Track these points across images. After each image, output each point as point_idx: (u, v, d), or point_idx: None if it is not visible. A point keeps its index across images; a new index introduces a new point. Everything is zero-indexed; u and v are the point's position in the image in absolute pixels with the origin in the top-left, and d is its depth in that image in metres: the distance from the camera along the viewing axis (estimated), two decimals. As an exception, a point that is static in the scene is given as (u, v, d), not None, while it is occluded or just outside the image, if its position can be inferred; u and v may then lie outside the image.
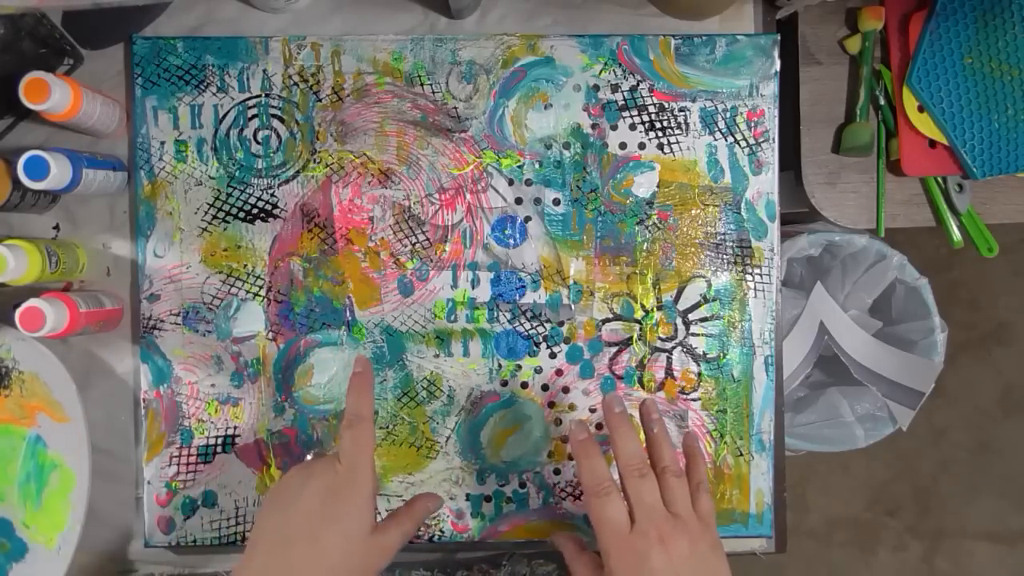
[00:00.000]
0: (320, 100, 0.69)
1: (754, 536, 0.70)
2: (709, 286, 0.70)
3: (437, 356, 0.69)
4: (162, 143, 0.68)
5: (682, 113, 0.69)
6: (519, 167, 0.69)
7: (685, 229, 0.70)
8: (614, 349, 0.69)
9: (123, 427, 0.69)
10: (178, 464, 0.68)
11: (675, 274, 0.70)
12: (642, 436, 0.57)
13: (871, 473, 1.51)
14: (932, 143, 0.73)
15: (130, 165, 0.69)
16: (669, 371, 0.70)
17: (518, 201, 0.69)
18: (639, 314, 0.69)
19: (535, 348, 0.69)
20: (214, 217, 0.68)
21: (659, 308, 0.69)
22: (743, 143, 0.70)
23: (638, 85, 0.69)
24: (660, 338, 0.70)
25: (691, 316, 0.70)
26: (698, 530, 0.51)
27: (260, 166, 0.68)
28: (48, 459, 0.66)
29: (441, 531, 0.69)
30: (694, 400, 0.70)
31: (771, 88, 0.70)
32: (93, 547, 0.68)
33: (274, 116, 0.69)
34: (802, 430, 0.99)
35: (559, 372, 0.69)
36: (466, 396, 0.69)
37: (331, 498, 0.50)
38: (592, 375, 0.69)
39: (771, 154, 0.70)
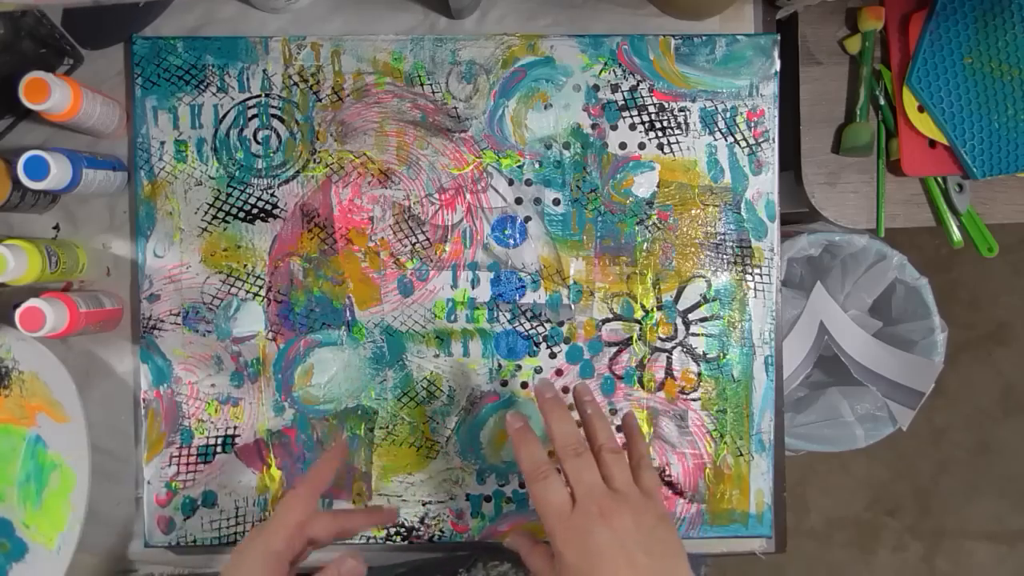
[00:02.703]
0: (320, 100, 0.69)
1: (754, 536, 0.70)
2: (709, 286, 0.70)
3: (437, 356, 0.69)
4: (162, 143, 0.68)
5: (682, 113, 0.69)
6: (519, 167, 0.69)
7: (685, 229, 0.70)
8: (614, 349, 0.69)
9: (123, 427, 0.69)
10: (178, 464, 0.68)
11: (675, 274, 0.70)
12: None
13: (871, 473, 1.51)
14: (932, 143, 0.73)
15: (130, 165, 0.69)
16: (669, 371, 0.70)
17: (518, 201, 0.69)
18: (639, 314, 0.69)
19: (535, 348, 0.69)
20: (214, 217, 0.68)
21: (659, 308, 0.69)
22: (743, 143, 0.70)
23: (638, 85, 0.69)
24: (660, 338, 0.70)
25: (691, 316, 0.70)
26: (641, 503, 0.50)
27: (260, 166, 0.68)
28: (48, 459, 0.66)
29: (441, 531, 0.69)
30: (694, 400, 0.70)
31: (771, 88, 0.70)
32: (93, 547, 0.68)
33: (274, 116, 0.69)
34: (802, 430, 0.99)
35: (559, 372, 0.69)
36: (466, 396, 0.69)
37: (235, 555, 0.55)
38: (592, 375, 0.69)
39: (771, 154, 0.70)
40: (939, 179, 0.75)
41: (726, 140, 0.69)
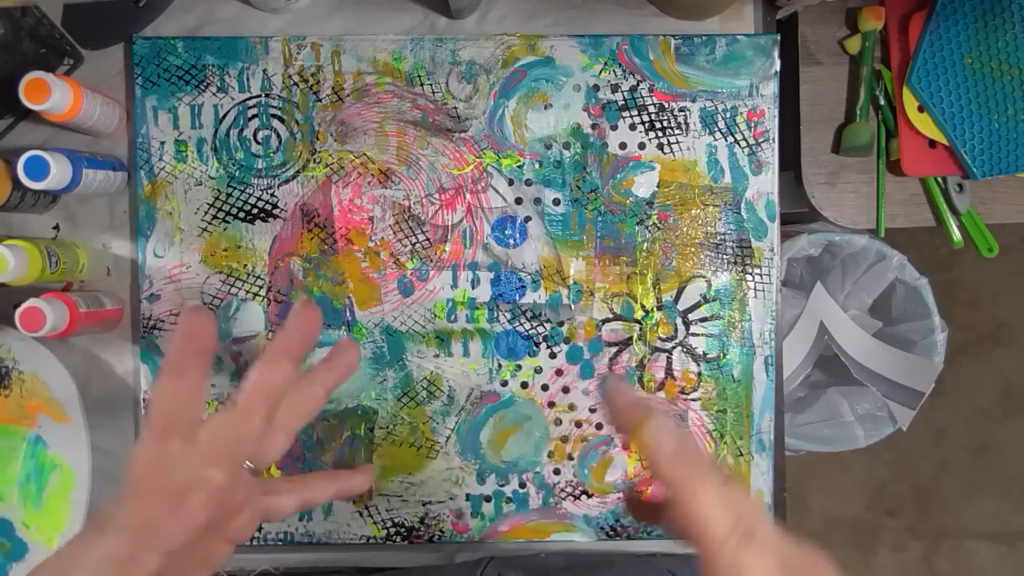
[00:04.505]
0: (320, 100, 0.69)
1: (754, 536, 0.70)
2: (709, 286, 0.70)
3: (437, 356, 0.69)
4: (162, 143, 0.68)
5: (682, 113, 0.69)
6: (519, 167, 0.69)
7: (685, 229, 0.70)
8: (614, 349, 0.69)
9: (123, 427, 0.69)
10: (178, 464, 0.68)
11: (675, 274, 0.69)
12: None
13: (871, 473, 1.51)
14: (932, 143, 0.73)
15: (130, 165, 0.69)
16: (669, 371, 0.70)
17: (518, 201, 0.69)
18: (639, 314, 0.69)
19: (535, 348, 0.69)
20: (214, 217, 0.68)
21: (659, 308, 0.69)
22: (743, 143, 0.70)
23: (638, 85, 0.69)
24: (660, 338, 0.70)
25: (691, 316, 0.70)
26: None
27: (260, 166, 0.68)
28: (48, 459, 0.66)
29: (441, 531, 0.69)
30: (694, 400, 0.70)
31: (771, 88, 0.70)
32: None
33: (274, 116, 0.69)
34: (802, 430, 0.99)
35: (559, 372, 0.69)
36: (466, 396, 0.69)
37: None
38: (592, 375, 0.69)
39: (771, 154, 0.70)
40: (939, 179, 0.75)
41: (726, 140, 0.69)
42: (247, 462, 0.41)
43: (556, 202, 0.69)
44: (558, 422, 0.69)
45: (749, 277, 0.70)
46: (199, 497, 0.38)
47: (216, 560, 0.41)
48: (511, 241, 0.69)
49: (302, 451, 0.68)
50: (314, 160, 0.68)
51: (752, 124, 0.70)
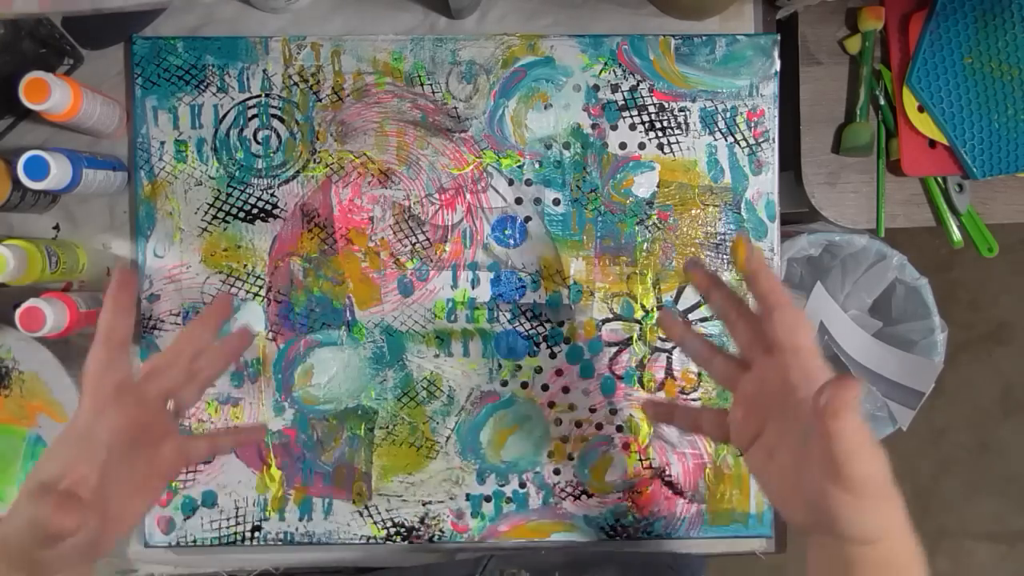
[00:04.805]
0: (320, 100, 0.69)
1: (754, 536, 0.70)
2: (709, 286, 0.69)
3: (437, 356, 0.69)
4: (162, 143, 0.68)
5: (682, 113, 0.69)
6: (519, 167, 0.69)
7: (685, 229, 0.70)
8: (614, 349, 0.69)
9: (123, 427, 0.69)
10: (178, 464, 0.68)
11: (675, 274, 0.69)
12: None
13: (871, 473, 1.51)
14: (932, 143, 0.73)
15: (130, 165, 0.69)
16: (669, 371, 0.70)
17: (518, 201, 0.69)
18: (639, 314, 0.69)
19: (535, 348, 0.69)
20: (214, 217, 0.68)
21: (659, 308, 0.69)
22: (743, 143, 0.70)
23: (638, 85, 0.69)
24: (660, 338, 0.70)
25: (691, 316, 0.70)
26: None
27: (260, 166, 0.68)
28: (48, 459, 0.66)
29: (441, 531, 0.69)
30: (694, 400, 0.70)
31: (771, 88, 0.70)
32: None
33: (274, 116, 0.68)
34: (802, 430, 0.99)
35: (559, 372, 0.69)
36: (466, 396, 0.69)
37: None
38: (592, 375, 0.69)
39: (771, 154, 0.70)
40: (939, 179, 0.75)
41: (726, 140, 0.69)
42: (170, 401, 0.51)
43: (556, 202, 0.69)
44: (558, 422, 0.69)
45: (749, 277, 0.70)
46: (133, 396, 0.48)
47: (151, 493, 0.49)
48: (511, 241, 0.69)
49: (302, 451, 0.68)
50: (314, 160, 0.68)
51: (752, 124, 0.70)
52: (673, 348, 0.70)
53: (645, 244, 0.69)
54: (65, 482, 0.43)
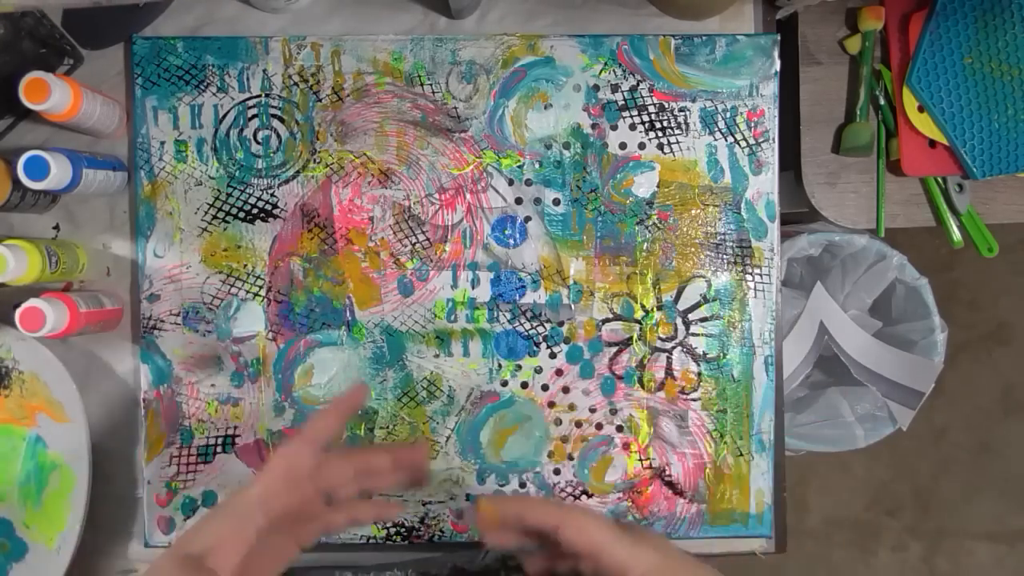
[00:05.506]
0: (320, 100, 0.69)
1: (754, 536, 0.70)
2: (709, 286, 0.70)
3: (437, 356, 0.69)
4: (162, 143, 0.68)
5: (682, 113, 0.69)
6: (519, 167, 0.69)
7: (685, 229, 0.70)
8: (614, 349, 0.69)
9: (123, 427, 0.69)
10: (178, 464, 0.68)
11: (675, 274, 0.69)
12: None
13: (871, 473, 1.51)
14: (932, 143, 0.73)
15: (130, 165, 0.69)
16: (669, 371, 0.70)
17: (518, 201, 0.69)
18: (639, 314, 0.69)
19: (535, 348, 0.69)
20: (214, 217, 0.68)
21: (659, 308, 0.69)
22: (743, 143, 0.70)
23: (638, 85, 0.69)
24: (660, 338, 0.70)
25: (691, 316, 0.70)
26: None
27: (260, 166, 0.68)
28: (48, 459, 0.66)
29: (441, 531, 0.69)
30: (694, 400, 0.70)
31: (771, 88, 0.70)
32: (93, 547, 0.68)
33: (274, 116, 0.68)
34: (802, 430, 0.99)
35: (559, 372, 0.69)
36: (466, 396, 0.69)
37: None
38: (592, 375, 0.69)
39: (771, 154, 0.70)
40: (939, 179, 0.75)
41: (726, 140, 0.69)
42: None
43: (556, 202, 0.69)
44: (558, 422, 0.69)
45: (749, 277, 0.70)
46: (304, 491, 0.51)
47: (287, 555, 0.52)
48: (511, 241, 0.69)
49: (302, 451, 0.68)
50: (314, 160, 0.68)
51: (752, 124, 0.70)
52: (673, 348, 0.70)
53: (645, 244, 0.69)
54: (211, 560, 0.46)
